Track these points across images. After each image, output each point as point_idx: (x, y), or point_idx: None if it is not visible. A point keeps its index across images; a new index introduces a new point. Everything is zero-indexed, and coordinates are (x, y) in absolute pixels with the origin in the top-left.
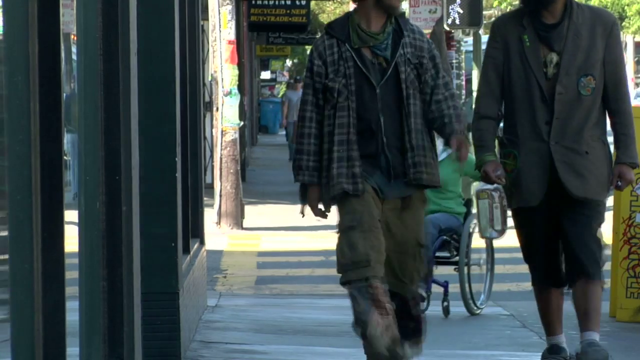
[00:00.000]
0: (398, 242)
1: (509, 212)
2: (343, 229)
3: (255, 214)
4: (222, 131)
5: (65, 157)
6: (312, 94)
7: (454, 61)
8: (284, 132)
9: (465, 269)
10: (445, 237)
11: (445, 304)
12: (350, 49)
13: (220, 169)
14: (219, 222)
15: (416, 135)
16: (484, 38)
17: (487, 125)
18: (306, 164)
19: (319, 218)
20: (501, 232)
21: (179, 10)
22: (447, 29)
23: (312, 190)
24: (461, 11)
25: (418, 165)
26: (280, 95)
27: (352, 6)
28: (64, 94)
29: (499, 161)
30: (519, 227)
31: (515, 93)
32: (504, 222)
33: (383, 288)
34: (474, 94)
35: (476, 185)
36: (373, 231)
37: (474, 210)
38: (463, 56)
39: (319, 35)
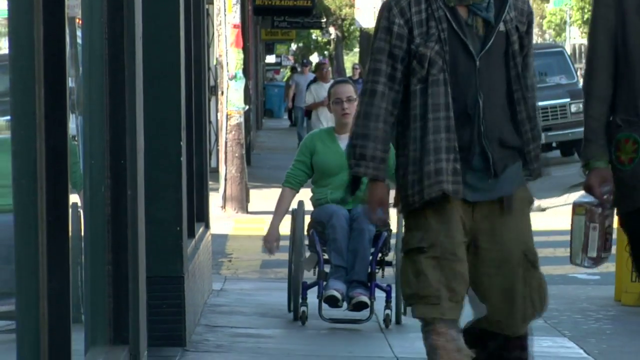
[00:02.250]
0: (496, 260)
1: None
2: (408, 249)
3: (260, 197)
4: (227, 115)
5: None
6: (388, 62)
7: None
8: (286, 116)
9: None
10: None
11: (388, 311)
12: (443, 7)
13: (225, 152)
14: (224, 206)
15: (529, 122)
16: None
17: (600, 110)
18: (372, 153)
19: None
20: (596, 261)
21: None
22: None
23: (377, 187)
24: None
25: (533, 162)
26: (285, 79)
27: None
28: (69, 79)
29: (610, 169)
30: (634, 236)
31: (635, 60)
32: (603, 249)
33: (452, 336)
34: None
35: None
36: (450, 259)
37: None
38: None
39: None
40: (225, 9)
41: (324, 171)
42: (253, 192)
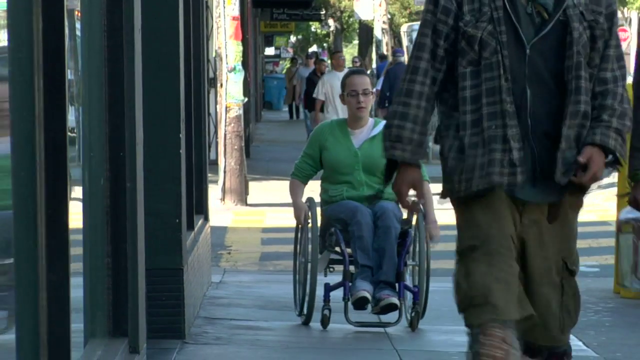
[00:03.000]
0: (539, 268)
1: None
2: (461, 249)
3: (259, 190)
4: (226, 107)
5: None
6: (432, 37)
7: None
8: (286, 109)
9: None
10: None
11: (413, 314)
12: None
13: (225, 145)
14: (223, 199)
15: (582, 121)
16: None
17: None
18: (410, 135)
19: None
20: None
21: None
22: None
23: (409, 170)
24: None
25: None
26: (283, 72)
27: None
28: (68, 71)
29: None
30: None
31: None
32: None
33: (505, 337)
34: None
35: None
36: (501, 254)
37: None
38: None
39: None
40: (224, 1)
41: (335, 169)
42: (252, 185)
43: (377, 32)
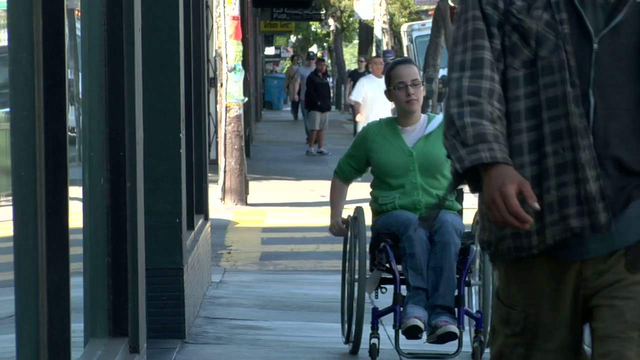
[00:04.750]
0: (610, 329)
1: None
2: (497, 329)
3: (259, 189)
4: (226, 107)
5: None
6: (485, 25)
7: None
8: (288, 109)
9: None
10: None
11: (476, 344)
12: None
13: (225, 144)
14: (223, 198)
15: None
16: None
17: None
18: (493, 131)
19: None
20: None
21: None
22: (452, 4)
23: (508, 170)
24: None
25: None
26: (284, 72)
27: None
28: (68, 70)
29: None
30: None
31: None
32: None
33: None
34: None
35: None
36: (550, 341)
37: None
38: None
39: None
40: (224, 1)
41: (387, 172)
42: (252, 184)
43: (377, 32)
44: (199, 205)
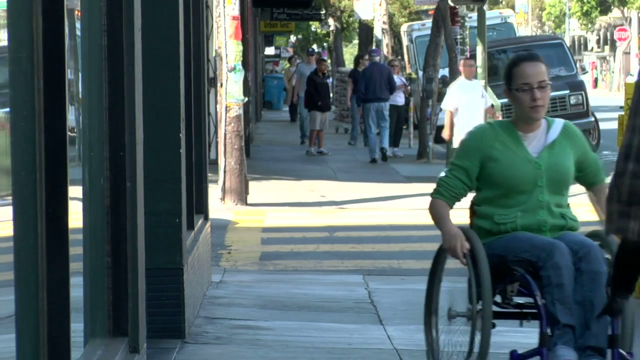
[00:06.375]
0: None
1: None
2: None
3: (259, 189)
4: (226, 107)
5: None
6: None
7: (458, 37)
8: (286, 109)
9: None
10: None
11: None
12: None
13: (225, 144)
14: (223, 198)
15: None
16: (489, 14)
17: None
18: None
19: None
20: None
21: None
22: (452, 4)
23: None
24: None
25: None
26: (283, 72)
27: None
28: (68, 70)
29: None
30: None
31: None
32: None
33: None
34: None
35: None
36: None
37: None
38: (467, 32)
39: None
40: (224, 1)
41: (510, 187)
42: (252, 184)
43: (377, 32)
44: (199, 205)
